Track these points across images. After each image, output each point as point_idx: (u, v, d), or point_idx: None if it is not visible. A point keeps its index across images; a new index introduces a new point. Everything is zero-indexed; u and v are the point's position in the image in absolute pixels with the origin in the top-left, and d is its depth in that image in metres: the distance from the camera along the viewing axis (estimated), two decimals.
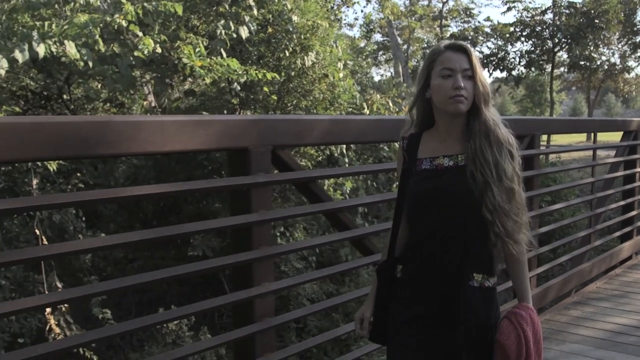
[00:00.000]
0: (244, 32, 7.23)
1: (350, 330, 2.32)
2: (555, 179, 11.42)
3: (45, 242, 6.83)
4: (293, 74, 7.84)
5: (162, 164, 9.80)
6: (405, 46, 27.43)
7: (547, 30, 24.75)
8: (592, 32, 24.19)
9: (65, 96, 8.58)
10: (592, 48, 25.74)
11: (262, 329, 2.78)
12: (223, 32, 7.05)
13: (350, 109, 8.33)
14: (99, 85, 9.36)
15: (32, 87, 8.72)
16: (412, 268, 2.16)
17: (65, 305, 7.32)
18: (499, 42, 26.47)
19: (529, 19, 24.87)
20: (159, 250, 10.08)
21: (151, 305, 9.46)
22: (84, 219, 7.72)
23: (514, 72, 26.06)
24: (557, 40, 24.80)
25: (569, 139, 29.60)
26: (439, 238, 2.09)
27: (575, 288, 5.78)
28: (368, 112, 8.60)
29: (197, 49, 6.33)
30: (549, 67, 27.31)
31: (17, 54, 5.96)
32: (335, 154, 8.33)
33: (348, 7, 12.72)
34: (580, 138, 31.11)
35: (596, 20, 23.53)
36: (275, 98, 8.47)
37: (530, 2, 33.24)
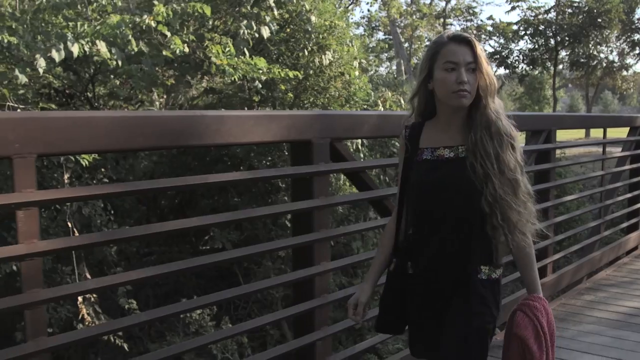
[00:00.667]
0: (265, 32, 7.51)
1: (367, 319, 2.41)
2: (559, 173, 11.72)
3: (76, 234, 7.10)
4: (311, 72, 8.13)
5: (179, 160, 10.08)
6: (406, 44, 27.79)
7: (550, 29, 25.12)
8: (594, 31, 24.55)
9: (88, 94, 8.85)
10: (593, 46, 26.10)
11: (320, 304, 3.07)
12: (246, 31, 7.33)
13: (365, 106, 8.61)
14: (118, 83, 9.63)
15: (55, 85, 8.97)
16: (421, 263, 2.17)
17: (94, 295, 7.61)
18: (501, 41, 26.84)
19: (533, 17, 25.22)
20: (173, 246, 10.35)
21: (167, 298, 9.73)
22: (112, 212, 7.99)
23: (517, 70, 26.44)
24: (559, 39, 25.16)
25: (567, 135, 29.92)
26: (443, 231, 2.10)
27: (586, 275, 6.10)
28: (382, 109, 8.90)
29: (227, 49, 6.63)
30: (550, 65, 27.66)
31: (54, 54, 6.23)
32: (351, 149, 8.62)
33: (356, 5, 12.97)
34: (578, 135, 31.47)
35: (598, 19, 23.92)
36: (292, 96, 8.75)
37: (534, 2, 33.54)
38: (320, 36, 8.04)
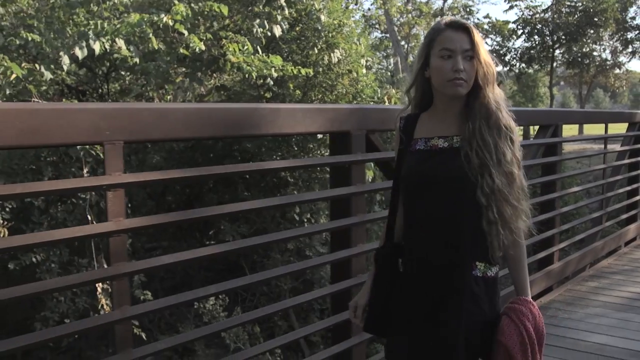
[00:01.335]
0: (277, 31, 7.76)
1: None
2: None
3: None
4: (320, 70, 8.38)
5: (187, 155, 10.32)
6: (402, 42, 28.08)
7: (547, 28, 25.51)
8: (590, 30, 24.96)
9: (100, 90, 9.06)
10: (590, 45, 26.52)
11: (356, 284, 3.32)
12: (259, 30, 7.57)
13: (372, 103, 8.87)
14: (128, 80, 9.84)
15: (67, 81, 9.18)
16: (414, 260, 2.09)
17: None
18: (498, 39, 27.22)
19: (530, 16, 25.61)
20: (181, 240, 10.56)
21: (176, 290, 9.97)
22: (129, 205, 8.21)
23: (514, 68, 26.84)
24: (556, 38, 25.56)
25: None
26: (436, 225, 2.03)
27: (589, 263, 6.38)
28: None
29: (245, 47, 6.86)
30: (547, 63, 28.05)
31: (78, 51, 6.46)
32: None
33: (356, 4, 13.22)
34: (572, 132, 31.87)
35: (595, 18, 24.34)
36: (300, 93, 9.00)
37: (531, 1, 34.02)
38: (330, 34, 8.29)
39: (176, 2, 6.65)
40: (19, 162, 7.60)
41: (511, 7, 25.90)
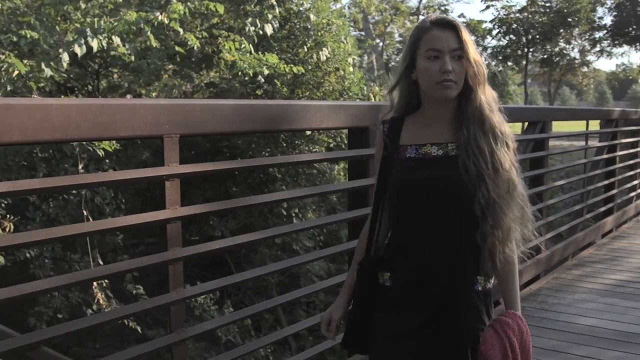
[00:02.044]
0: (268, 29, 7.95)
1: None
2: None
3: (91, 220, 7.44)
4: (309, 67, 8.59)
5: None
6: (378, 40, 28.43)
7: (522, 27, 26.13)
8: (564, 30, 25.65)
9: (89, 87, 9.16)
10: (562, 44, 27.23)
11: None
12: (251, 29, 7.75)
13: (358, 100, 9.10)
14: (116, 77, 9.94)
15: (57, 78, 9.25)
16: (403, 275, 1.95)
17: (106, 281, 7.95)
18: (473, 38, 27.77)
19: (506, 16, 26.22)
20: (163, 237, 10.64)
21: (161, 285, 10.08)
22: (123, 200, 8.34)
23: (490, 67, 27.38)
24: (530, 37, 26.20)
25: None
26: (431, 238, 1.90)
27: (572, 253, 6.69)
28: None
29: (243, 45, 7.04)
30: (522, 62, 28.74)
31: (77, 48, 6.58)
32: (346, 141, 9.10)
33: (337, 3, 13.45)
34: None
35: (568, 19, 25.02)
36: (287, 90, 9.20)
37: (507, 1, 34.83)
38: (319, 33, 8.50)
39: (174, 0, 6.80)
40: (13, 158, 7.68)
41: (487, 7, 26.48)
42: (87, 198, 7.73)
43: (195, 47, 6.79)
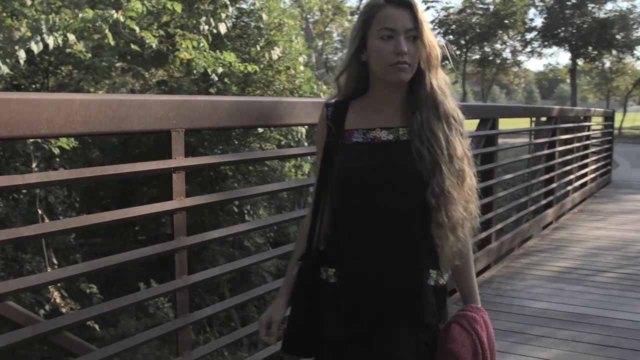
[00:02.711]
0: (222, 28, 8.05)
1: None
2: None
3: (46, 220, 7.38)
4: (261, 66, 8.73)
5: (120, 150, 10.40)
6: (317, 40, 28.67)
7: (461, 29, 26.92)
8: (500, 31, 26.59)
9: (37, 85, 9.03)
10: (498, 45, 28.23)
11: None
12: (206, 27, 7.84)
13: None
14: (64, 75, 9.82)
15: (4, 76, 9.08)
16: (350, 271, 1.80)
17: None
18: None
19: (445, 17, 26.95)
20: (116, 237, 10.60)
21: (110, 286, 10.01)
22: (77, 199, 8.27)
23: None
24: (468, 38, 27.02)
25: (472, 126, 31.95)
26: (381, 230, 1.76)
27: (518, 244, 7.08)
28: None
29: (201, 44, 7.12)
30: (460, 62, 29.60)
31: (33, 46, 6.53)
32: (297, 138, 9.28)
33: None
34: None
35: (505, 20, 25.95)
36: (237, 89, 9.32)
37: (447, 2, 35.77)
38: (271, 32, 8.65)
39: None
40: None
41: (428, 8, 27.21)
42: (41, 197, 7.65)
43: (153, 45, 6.84)
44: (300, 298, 1.89)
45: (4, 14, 8.25)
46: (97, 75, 7.94)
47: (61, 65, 8.30)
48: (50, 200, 7.79)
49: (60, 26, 6.92)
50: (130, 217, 2.51)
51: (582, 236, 7.58)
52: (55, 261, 7.81)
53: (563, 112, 8.96)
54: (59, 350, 2.30)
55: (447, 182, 1.73)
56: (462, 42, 27.06)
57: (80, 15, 6.83)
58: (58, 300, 7.28)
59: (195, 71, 7.37)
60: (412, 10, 1.74)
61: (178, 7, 6.97)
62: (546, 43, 32.05)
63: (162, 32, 7.21)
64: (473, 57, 29.91)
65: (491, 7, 26.74)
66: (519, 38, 30.87)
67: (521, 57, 32.76)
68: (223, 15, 8.12)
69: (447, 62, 2.02)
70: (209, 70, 7.10)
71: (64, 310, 7.42)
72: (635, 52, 33.78)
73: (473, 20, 26.28)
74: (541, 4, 29.82)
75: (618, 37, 32.07)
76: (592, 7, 31.62)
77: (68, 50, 6.95)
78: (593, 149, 10.88)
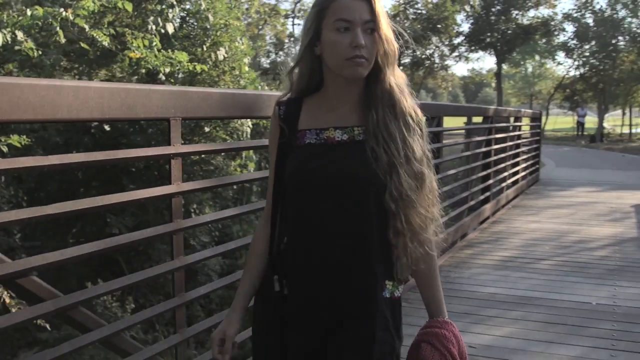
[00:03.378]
0: (170, 28, 8.11)
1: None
2: None
3: None
4: (207, 67, 8.81)
5: (75, 140, 10.26)
6: (250, 42, 28.57)
7: (396, 33, 27.58)
8: (434, 36, 27.40)
9: None
10: (430, 49, 29.03)
11: None
12: (154, 27, 7.89)
13: None
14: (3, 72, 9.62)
15: None
16: (300, 280, 1.70)
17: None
18: None
19: None
20: (55, 239, 10.44)
21: (54, 284, 9.84)
22: (25, 197, 8.14)
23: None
24: (402, 42, 27.70)
25: None
26: (334, 237, 1.66)
27: (460, 236, 7.45)
28: None
29: (154, 43, 7.17)
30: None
31: None
32: (241, 138, 9.41)
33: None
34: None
35: (438, 25, 26.75)
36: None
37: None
38: (217, 33, 8.76)
39: None
40: None
41: None
42: None
43: (106, 44, 6.85)
44: (258, 315, 1.80)
45: None
46: (42, 74, 7.84)
47: (5, 62, 8.16)
48: None
49: (8, 23, 6.85)
50: (131, 200, 2.65)
51: (519, 229, 8.04)
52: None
53: (498, 112, 9.44)
54: (75, 324, 2.41)
55: (405, 184, 1.63)
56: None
57: (29, 12, 6.77)
58: (8, 300, 7.15)
59: (143, 70, 7.41)
60: (369, 1, 1.64)
61: (129, 6, 7.01)
62: (473, 48, 33.25)
63: (112, 31, 7.22)
64: (403, 61, 30.69)
65: (424, 12, 27.62)
66: (447, 43, 31.96)
67: (449, 62, 33.90)
68: (170, 15, 8.18)
69: None
70: (161, 70, 7.16)
71: (14, 310, 7.29)
72: (556, 57, 35.52)
73: (406, 24, 27.07)
74: (470, 10, 31.00)
75: (540, 42, 33.73)
76: (516, 14, 33.12)
77: (17, 47, 6.87)
78: (523, 148, 11.45)
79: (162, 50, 7.37)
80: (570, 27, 38.81)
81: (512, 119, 10.84)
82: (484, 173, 8.61)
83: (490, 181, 8.76)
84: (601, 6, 34.57)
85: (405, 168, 1.64)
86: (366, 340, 1.65)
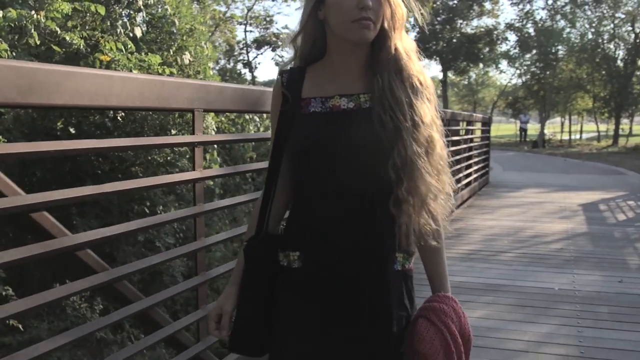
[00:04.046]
0: (138, 32, 8.24)
1: None
2: None
3: None
4: (175, 70, 8.98)
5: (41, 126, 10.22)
6: None
7: None
8: None
9: None
10: None
11: None
12: (123, 31, 8.01)
13: None
14: None
15: None
16: (314, 254, 1.64)
17: None
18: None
19: None
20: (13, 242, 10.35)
21: (17, 290, 9.76)
22: None
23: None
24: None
25: None
26: (342, 207, 1.60)
27: None
28: None
29: (129, 46, 7.28)
30: None
31: None
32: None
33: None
34: None
35: None
36: None
37: None
38: (183, 38, 8.93)
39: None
40: None
41: None
42: None
43: (81, 47, 6.94)
44: (249, 287, 1.71)
45: None
46: None
47: None
48: None
49: None
50: (156, 185, 2.87)
51: (478, 225, 8.46)
52: None
53: (453, 115, 9.90)
54: (118, 295, 2.61)
55: (410, 150, 1.54)
56: None
57: (1, 14, 6.81)
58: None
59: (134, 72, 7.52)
60: None
61: (102, 10, 7.12)
62: (419, 56, 33.87)
63: (85, 34, 7.31)
64: None
65: None
66: None
67: None
68: (138, 19, 8.31)
69: None
70: (135, 72, 7.29)
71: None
72: (499, 65, 36.71)
73: None
74: (420, 18, 31.54)
75: (484, 51, 34.83)
76: (461, 23, 34.13)
77: None
78: (475, 152, 11.95)
79: (135, 53, 7.49)
80: (512, 37, 40.27)
81: (464, 123, 11.34)
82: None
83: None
84: (542, 17, 36.04)
85: (412, 133, 1.56)
86: (383, 316, 1.62)
